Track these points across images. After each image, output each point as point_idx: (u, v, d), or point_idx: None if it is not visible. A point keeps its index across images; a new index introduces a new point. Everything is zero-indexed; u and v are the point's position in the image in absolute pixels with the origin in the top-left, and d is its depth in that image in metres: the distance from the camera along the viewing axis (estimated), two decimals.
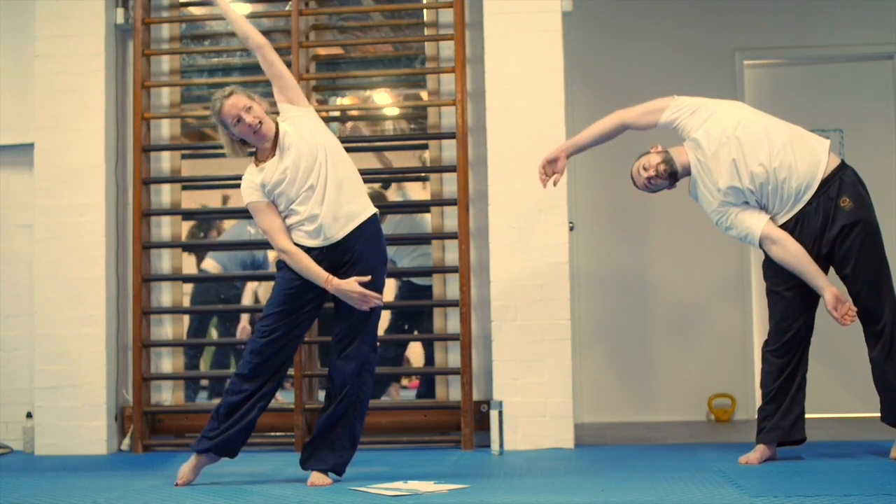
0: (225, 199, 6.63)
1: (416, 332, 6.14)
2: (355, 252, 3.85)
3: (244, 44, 3.97)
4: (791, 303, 4.16)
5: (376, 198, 5.71)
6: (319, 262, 3.84)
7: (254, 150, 3.91)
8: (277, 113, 3.94)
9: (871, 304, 4.09)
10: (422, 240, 5.67)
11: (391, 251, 5.96)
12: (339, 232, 3.84)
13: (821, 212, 4.09)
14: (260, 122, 3.81)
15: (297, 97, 3.94)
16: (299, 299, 3.86)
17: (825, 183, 4.08)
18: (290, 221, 3.87)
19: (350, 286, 3.79)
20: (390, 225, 5.91)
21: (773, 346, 4.21)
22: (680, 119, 4.23)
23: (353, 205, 3.87)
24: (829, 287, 4.01)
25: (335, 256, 3.85)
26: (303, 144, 3.83)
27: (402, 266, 5.94)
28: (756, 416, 4.29)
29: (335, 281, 3.80)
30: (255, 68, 5.73)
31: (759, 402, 4.30)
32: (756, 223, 4.12)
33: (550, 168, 4.44)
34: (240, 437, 3.89)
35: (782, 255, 4.08)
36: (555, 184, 4.48)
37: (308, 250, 3.84)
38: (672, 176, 4.25)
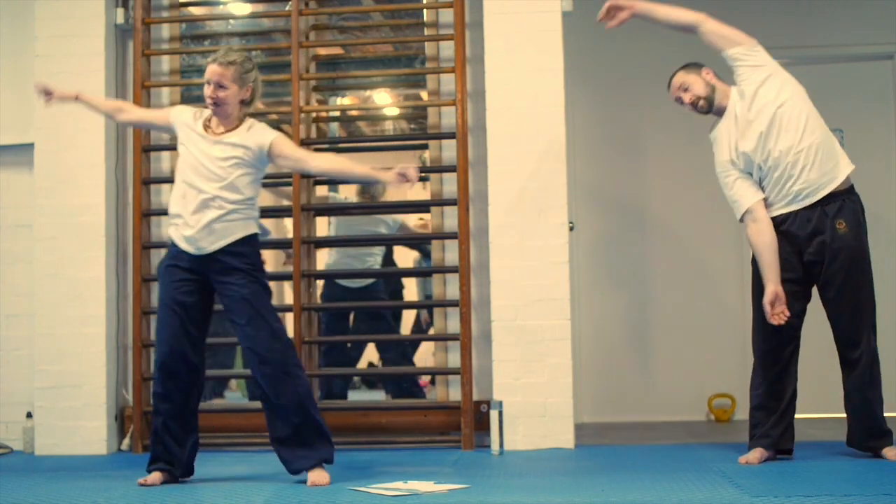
0: None
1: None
2: (227, 263, 3.86)
3: (321, 159, 4.13)
4: (789, 292, 4.18)
5: None
6: (194, 269, 3.86)
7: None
8: (253, 115, 4.00)
9: (851, 331, 4.14)
10: (421, 239, 5.67)
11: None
12: (210, 246, 3.85)
13: (813, 221, 4.11)
14: (215, 102, 3.85)
15: (276, 163, 3.98)
16: (180, 303, 3.87)
17: (828, 199, 4.10)
18: (172, 215, 3.92)
19: None
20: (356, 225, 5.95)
21: (764, 347, 4.23)
22: (742, 64, 4.22)
23: (230, 224, 3.86)
24: (776, 285, 4.07)
25: (207, 265, 3.87)
26: (232, 166, 3.84)
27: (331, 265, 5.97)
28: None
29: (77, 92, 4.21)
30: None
31: None
32: (750, 196, 4.16)
33: (614, 11, 4.32)
34: (190, 456, 3.99)
35: (755, 235, 4.13)
36: (608, 26, 4.32)
37: (182, 251, 3.87)
38: (705, 113, 4.28)
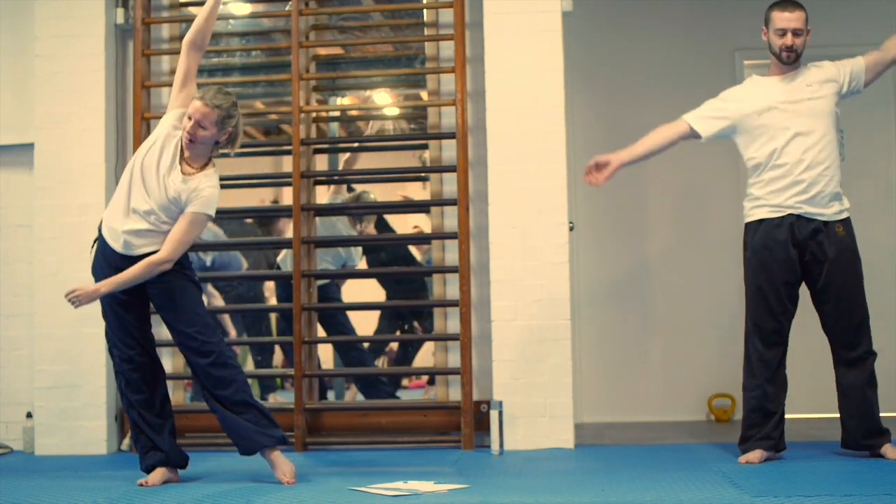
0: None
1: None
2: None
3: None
4: (778, 300, 4.20)
5: None
6: (121, 268, 3.85)
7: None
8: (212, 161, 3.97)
9: (851, 331, 4.19)
10: (422, 239, 5.67)
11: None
12: (136, 250, 3.87)
13: (814, 224, 4.16)
14: (191, 140, 3.83)
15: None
16: (120, 304, 3.91)
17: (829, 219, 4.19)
18: (115, 211, 3.91)
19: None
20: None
21: (763, 350, 4.24)
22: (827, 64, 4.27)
23: (153, 236, 3.88)
24: (619, 160, 4.35)
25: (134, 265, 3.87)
26: (174, 207, 3.85)
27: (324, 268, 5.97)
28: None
29: None
30: (256, 68, 5.77)
31: None
32: (702, 122, 4.38)
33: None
34: (176, 444, 4.01)
35: (663, 128, 4.41)
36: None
37: (109, 248, 3.89)
38: (790, 63, 4.23)
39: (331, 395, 6.63)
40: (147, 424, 3.96)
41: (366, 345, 6.50)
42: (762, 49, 6.10)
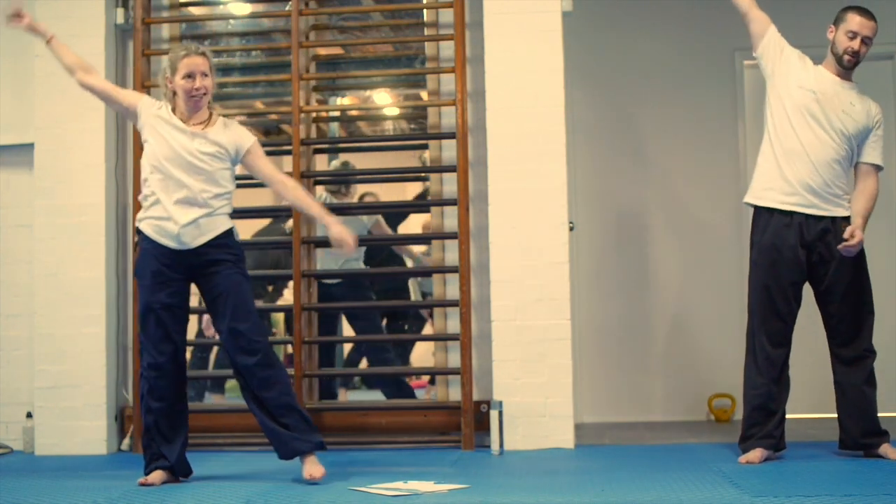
0: None
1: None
2: (209, 256, 3.89)
3: (285, 183, 4.06)
4: (785, 299, 4.20)
5: None
6: (177, 264, 3.88)
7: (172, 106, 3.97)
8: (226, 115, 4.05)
9: (854, 331, 4.21)
10: (424, 239, 5.67)
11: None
12: (193, 241, 3.87)
13: (823, 223, 4.17)
14: (205, 92, 3.89)
15: (242, 166, 4.05)
16: (164, 307, 3.89)
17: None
18: (152, 204, 3.90)
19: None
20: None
21: (770, 349, 4.24)
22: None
23: (211, 221, 3.90)
24: None
25: (189, 259, 3.89)
26: (210, 159, 3.87)
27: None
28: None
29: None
30: (256, 68, 5.76)
31: None
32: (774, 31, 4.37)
33: None
34: (184, 453, 3.99)
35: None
36: None
37: (160, 246, 3.88)
38: (850, 68, 4.26)
39: (352, 394, 6.64)
40: (160, 434, 3.93)
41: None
42: None
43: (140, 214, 3.97)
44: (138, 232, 3.97)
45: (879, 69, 6.13)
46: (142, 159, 3.98)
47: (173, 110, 3.96)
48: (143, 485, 3.87)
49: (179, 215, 3.85)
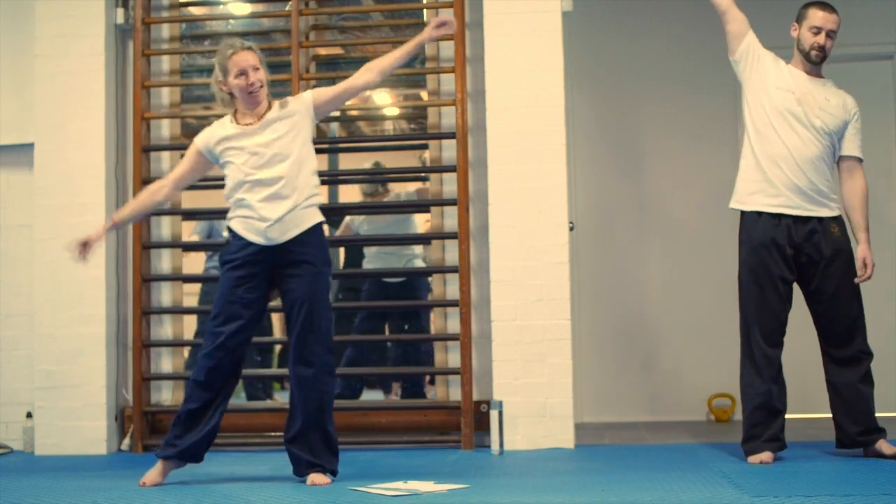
0: None
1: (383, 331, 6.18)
2: (297, 254, 3.87)
3: (369, 70, 3.98)
4: (778, 298, 4.21)
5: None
6: (261, 261, 3.86)
7: (236, 109, 3.94)
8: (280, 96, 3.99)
9: (847, 330, 4.20)
10: (422, 239, 5.67)
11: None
12: (283, 236, 3.85)
13: (810, 224, 4.18)
14: (261, 84, 3.87)
15: (324, 112, 4.02)
16: (243, 300, 3.86)
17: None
18: (239, 204, 3.88)
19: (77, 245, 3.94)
20: (383, 225, 5.94)
21: (767, 349, 4.24)
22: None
23: (302, 212, 3.87)
24: None
25: (277, 257, 3.87)
26: (285, 140, 3.86)
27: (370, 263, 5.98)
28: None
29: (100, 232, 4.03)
30: None
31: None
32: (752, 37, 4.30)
33: None
34: (204, 443, 3.93)
35: None
36: None
37: (249, 244, 3.86)
38: (817, 63, 4.29)
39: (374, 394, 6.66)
40: (191, 420, 3.88)
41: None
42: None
43: (229, 214, 3.94)
44: (228, 229, 3.94)
45: (879, 69, 6.13)
46: (227, 181, 3.91)
47: (235, 112, 3.94)
48: (143, 486, 3.86)
49: (267, 211, 3.82)
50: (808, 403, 5.60)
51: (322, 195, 3.99)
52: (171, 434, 3.92)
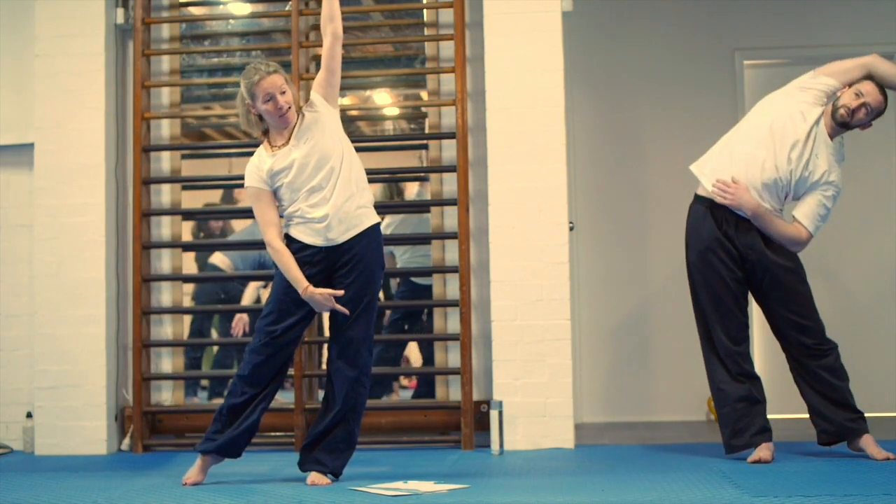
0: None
1: (409, 331, 6.16)
2: (354, 255, 3.87)
3: (324, 28, 3.99)
4: (733, 296, 4.25)
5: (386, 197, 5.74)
6: (318, 262, 3.86)
7: (265, 129, 3.94)
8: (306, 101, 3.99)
9: (809, 321, 4.19)
10: (422, 239, 5.67)
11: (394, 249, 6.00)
12: (342, 236, 3.86)
13: (753, 229, 4.22)
14: (290, 106, 3.86)
15: (333, 95, 3.98)
16: (297, 299, 3.86)
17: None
18: (293, 215, 3.88)
19: (324, 298, 3.81)
20: (390, 224, 5.91)
21: (733, 346, 4.26)
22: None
23: (358, 212, 3.89)
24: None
25: (334, 258, 3.88)
26: (321, 143, 3.87)
27: (401, 265, 5.94)
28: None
29: (311, 289, 3.81)
30: None
31: None
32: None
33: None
34: (243, 439, 3.92)
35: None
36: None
37: (307, 247, 3.86)
38: (843, 125, 4.22)
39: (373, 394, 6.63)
40: (232, 414, 3.88)
41: None
42: (762, 49, 6.16)
43: (285, 223, 3.93)
44: (287, 237, 3.92)
45: None
46: (281, 201, 3.90)
47: (265, 132, 3.94)
48: (185, 485, 3.89)
49: (323, 212, 3.82)
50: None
51: (369, 194, 3.98)
52: (211, 429, 3.93)
